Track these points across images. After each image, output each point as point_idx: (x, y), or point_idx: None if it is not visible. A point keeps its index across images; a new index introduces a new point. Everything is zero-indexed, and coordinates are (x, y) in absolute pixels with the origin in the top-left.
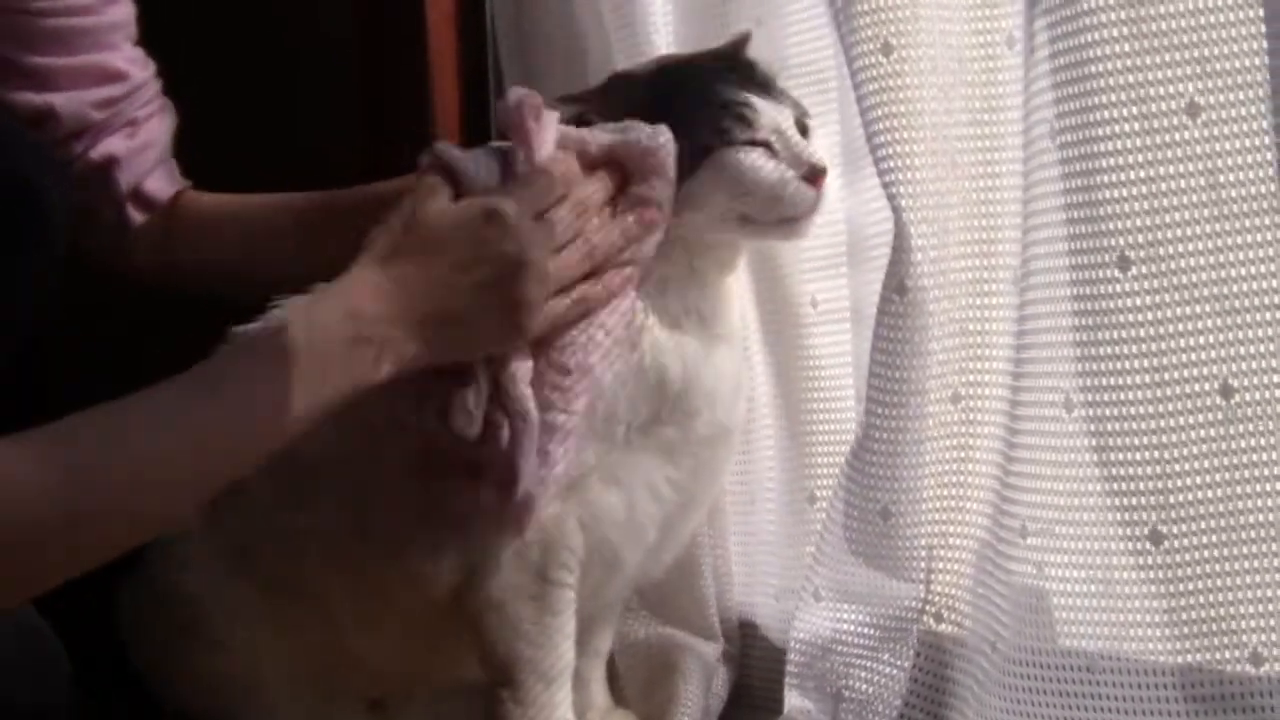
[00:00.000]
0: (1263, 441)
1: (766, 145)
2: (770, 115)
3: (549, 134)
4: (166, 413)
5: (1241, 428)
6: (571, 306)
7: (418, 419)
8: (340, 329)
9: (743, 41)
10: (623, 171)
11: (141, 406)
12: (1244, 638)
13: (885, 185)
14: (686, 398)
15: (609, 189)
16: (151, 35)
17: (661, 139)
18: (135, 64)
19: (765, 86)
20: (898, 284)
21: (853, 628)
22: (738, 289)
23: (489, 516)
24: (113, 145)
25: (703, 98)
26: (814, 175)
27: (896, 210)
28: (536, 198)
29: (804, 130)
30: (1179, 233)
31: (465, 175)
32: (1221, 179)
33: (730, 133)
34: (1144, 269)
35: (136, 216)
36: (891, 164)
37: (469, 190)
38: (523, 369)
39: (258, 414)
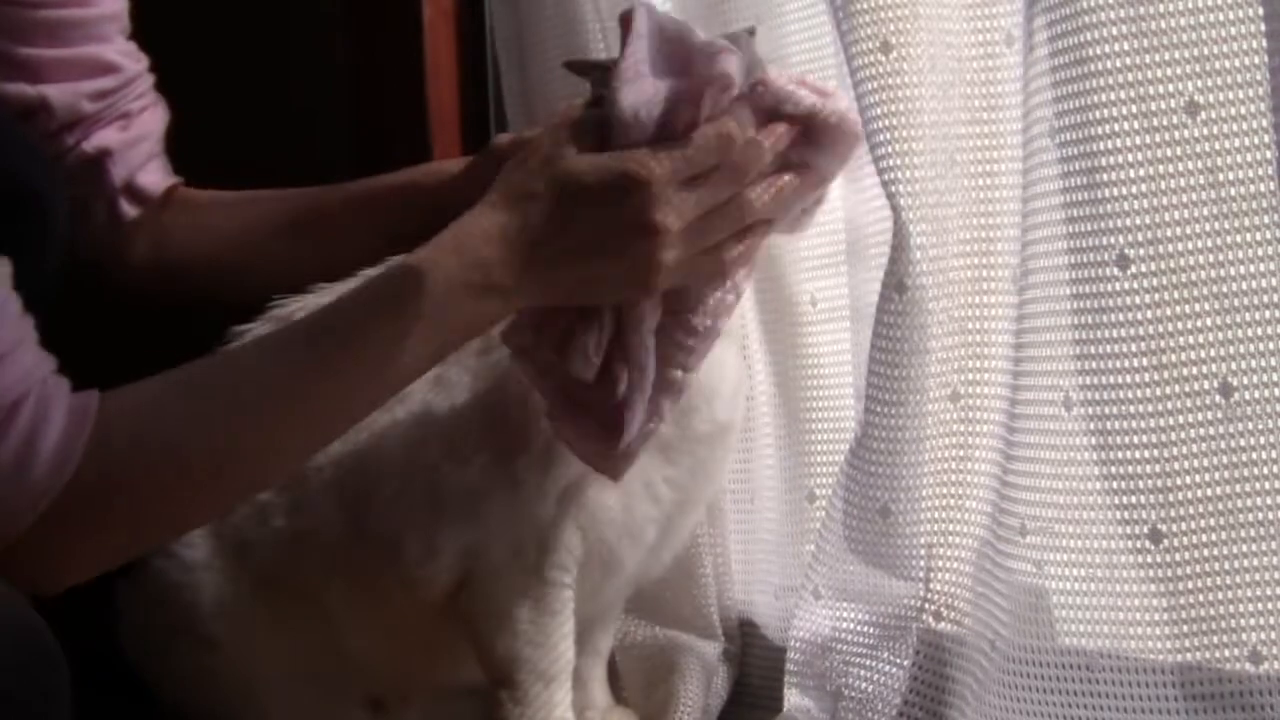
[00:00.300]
0: (1262, 440)
1: None
2: None
3: (729, 91)
4: (293, 356)
5: (1241, 426)
6: (713, 267)
7: (534, 348)
8: (463, 276)
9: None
10: (806, 133)
11: (270, 350)
12: (1243, 636)
13: (884, 184)
14: (685, 394)
15: (778, 152)
16: (143, 30)
17: (857, 128)
18: (128, 57)
19: None
20: (897, 282)
21: (852, 626)
22: None
23: (588, 458)
24: (106, 138)
25: None
26: None
27: (896, 209)
28: (692, 163)
29: None
30: (1179, 231)
31: (621, 120)
32: (1221, 177)
33: None
34: (1144, 267)
35: (129, 211)
36: (891, 162)
37: (620, 136)
38: (651, 319)
39: (379, 360)
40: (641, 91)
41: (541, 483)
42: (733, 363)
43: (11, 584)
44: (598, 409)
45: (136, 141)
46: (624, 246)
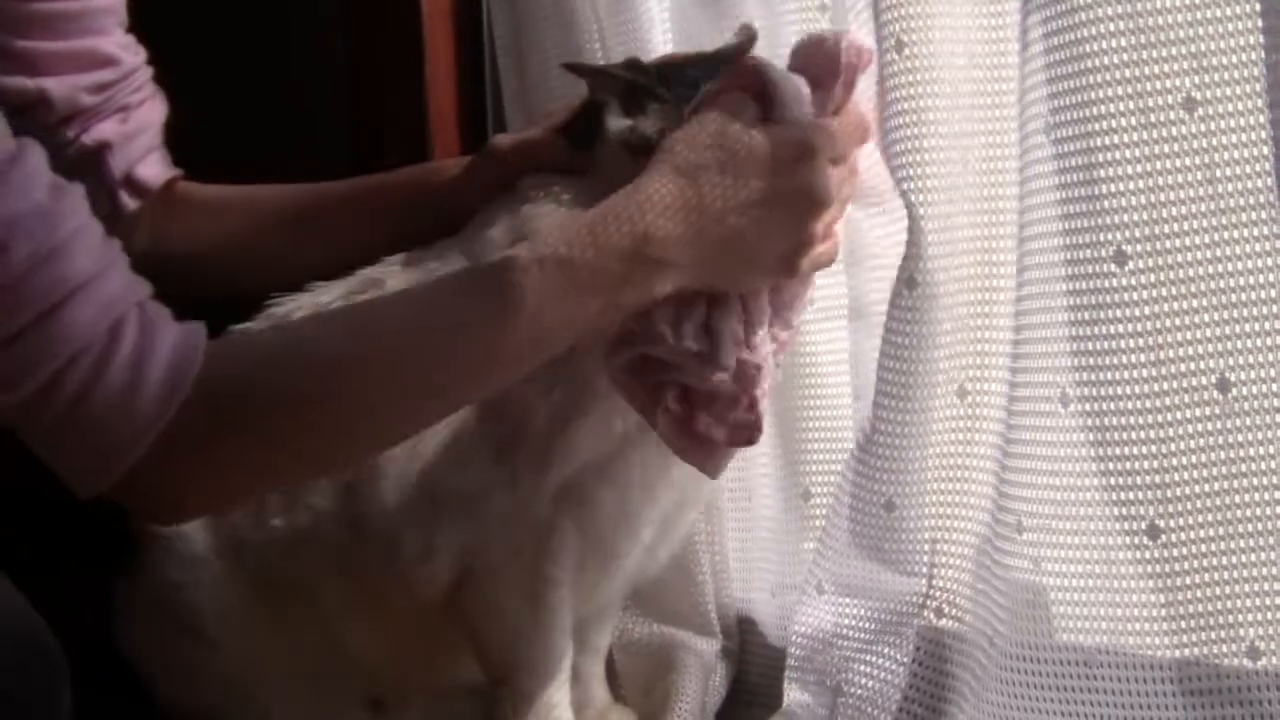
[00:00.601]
0: (1260, 435)
1: None
2: None
3: (863, 83)
4: (446, 303)
5: (1239, 421)
6: (824, 256)
7: (675, 340)
8: (627, 248)
9: (749, 41)
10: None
11: (422, 295)
12: (1241, 631)
13: (898, 180)
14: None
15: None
16: (143, 30)
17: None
18: (126, 49)
19: None
20: (908, 278)
21: (854, 622)
22: None
23: (698, 455)
24: (105, 130)
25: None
26: None
27: (909, 205)
28: (843, 143)
29: None
30: (1176, 227)
31: (781, 99)
32: (1218, 174)
33: None
34: (1141, 263)
35: (129, 203)
36: (905, 159)
37: (778, 115)
38: (767, 314)
39: (518, 324)
40: (789, 76)
41: (539, 482)
42: None
43: (133, 514)
44: (722, 403)
45: (136, 134)
46: (789, 217)
